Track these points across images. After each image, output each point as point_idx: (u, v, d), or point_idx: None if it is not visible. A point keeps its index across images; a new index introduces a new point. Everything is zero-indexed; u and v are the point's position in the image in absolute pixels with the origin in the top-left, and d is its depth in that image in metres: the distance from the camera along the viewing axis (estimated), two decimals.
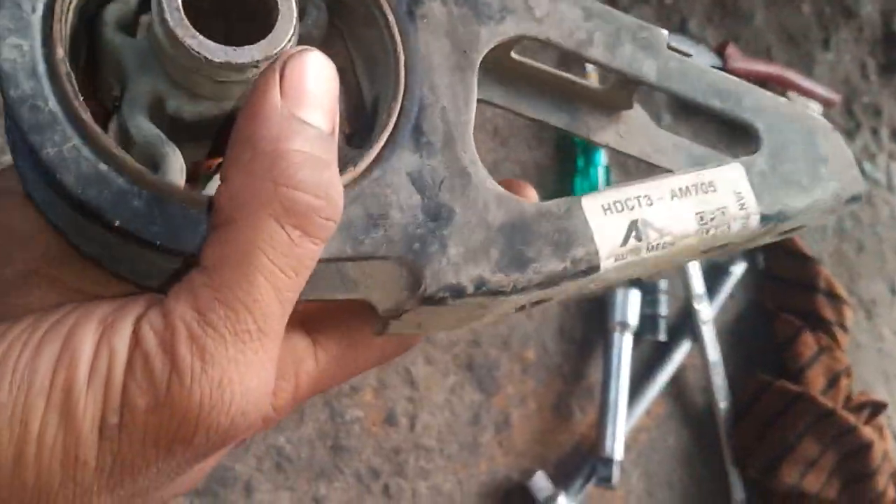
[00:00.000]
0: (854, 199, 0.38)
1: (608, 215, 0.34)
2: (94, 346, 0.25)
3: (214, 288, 0.26)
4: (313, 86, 0.27)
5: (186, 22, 0.29)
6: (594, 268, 0.33)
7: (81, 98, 0.28)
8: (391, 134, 0.32)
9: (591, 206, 0.34)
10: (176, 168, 0.30)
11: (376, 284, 0.33)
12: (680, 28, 1.13)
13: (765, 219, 0.36)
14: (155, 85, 0.31)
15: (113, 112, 0.31)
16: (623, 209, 0.34)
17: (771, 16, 1.19)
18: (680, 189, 0.35)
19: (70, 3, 0.30)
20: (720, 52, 1.13)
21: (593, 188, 1.00)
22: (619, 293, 1.03)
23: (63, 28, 0.29)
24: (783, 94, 1.18)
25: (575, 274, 0.33)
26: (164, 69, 0.31)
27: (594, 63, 0.37)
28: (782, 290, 1.15)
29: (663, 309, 1.05)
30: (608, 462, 0.98)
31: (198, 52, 0.29)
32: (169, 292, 0.26)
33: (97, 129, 0.28)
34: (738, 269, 1.14)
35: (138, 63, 0.31)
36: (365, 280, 0.33)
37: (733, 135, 0.43)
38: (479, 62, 0.34)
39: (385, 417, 0.89)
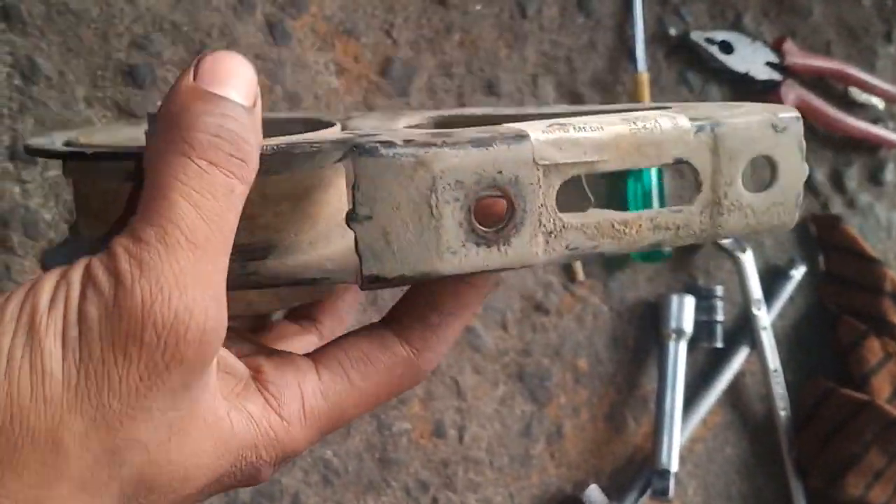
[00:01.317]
0: (791, 118, 0.38)
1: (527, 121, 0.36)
2: (54, 283, 0.29)
3: (143, 216, 0.30)
4: (226, 69, 0.31)
5: None
6: (523, 135, 0.34)
7: None
8: None
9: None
10: None
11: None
12: (734, 24, 1.09)
13: (694, 119, 0.36)
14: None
15: None
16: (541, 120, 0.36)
17: (829, 10, 1.15)
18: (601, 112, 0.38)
19: None
20: (777, 48, 1.09)
21: (646, 191, 0.97)
22: (674, 299, 1.00)
23: None
24: (844, 90, 1.14)
25: (504, 138, 0.34)
26: None
27: None
28: (845, 291, 1.10)
29: (719, 315, 1.02)
30: (664, 474, 0.95)
31: None
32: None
33: None
34: (798, 273, 1.10)
35: None
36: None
37: None
38: None
39: (433, 429, 0.86)
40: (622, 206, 0.98)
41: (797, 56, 1.09)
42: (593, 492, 0.93)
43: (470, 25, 0.91)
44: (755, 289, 1.05)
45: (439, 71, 0.90)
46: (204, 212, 0.30)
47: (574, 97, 0.98)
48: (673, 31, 1.03)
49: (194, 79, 0.31)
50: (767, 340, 1.05)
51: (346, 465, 0.82)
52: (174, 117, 0.31)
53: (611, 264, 0.99)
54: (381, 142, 0.33)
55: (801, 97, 1.08)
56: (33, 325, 0.28)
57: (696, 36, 1.03)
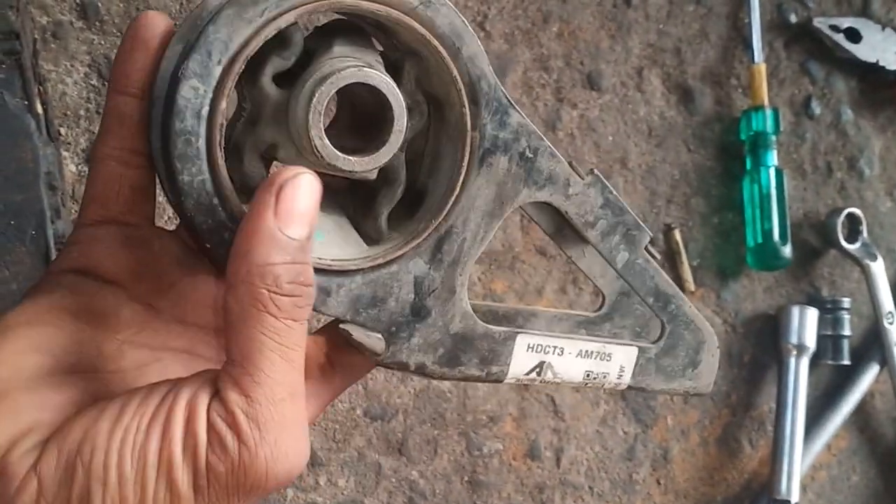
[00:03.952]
0: (696, 394, 0.51)
1: (528, 352, 0.46)
2: (182, 431, 0.35)
3: (249, 374, 0.36)
4: (301, 205, 0.36)
5: (327, 141, 0.38)
6: (499, 381, 0.46)
7: (223, 142, 0.38)
8: (418, 244, 0.42)
9: (522, 341, 0.46)
10: None
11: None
12: (862, 10, 1.00)
13: (630, 387, 0.49)
14: (276, 135, 0.39)
15: (243, 141, 0.41)
16: (541, 351, 0.47)
17: None
18: (587, 351, 0.48)
19: (245, 59, 0.37)
20: None
21: (764, 193, 0.89)
22: (795, 311, 0.91)
23: (233, 81, 0.37)
24: None
25: (484, 379, 0.46)
26: (288, 129, 0.39)
27: (586, 241, 0.47)
28: None
29: (846, 329, 0.94)
30: None
31: (328, 161, 0.38)
32: (222, 380, 0.37)
33: (223, 172, 0.38)
34: None
35: (272, 113, 0.39)
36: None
37: None
38: (508, 213, 0.44)
39: (527, 450, 0.80)
40: (739, 209, 0.91)
41: None
42: None
43: (569, 15, 0.85)
44: (886, 300, 0.96)
45: (536, 64, 0.84)
46: (295, 363, 0.37)
47: (683, 92, 0.90)
48: (793, 18, 0.96)
49: (275, 215, 0.36)
50: None
51: (434, 486, 0.76)
52: (258, 271, 0.36)
53: (725, 273, 0.91)
54: (399, 366, 0.44)
55: None
56: (171, 473, 0.35)
57: (820, 23, 0.95)
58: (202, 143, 0.37)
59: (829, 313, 0.94)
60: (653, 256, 0.48)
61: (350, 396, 0.74)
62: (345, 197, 0.44)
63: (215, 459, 0.35)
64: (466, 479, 0.78)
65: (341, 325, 0.42)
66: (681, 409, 0.89)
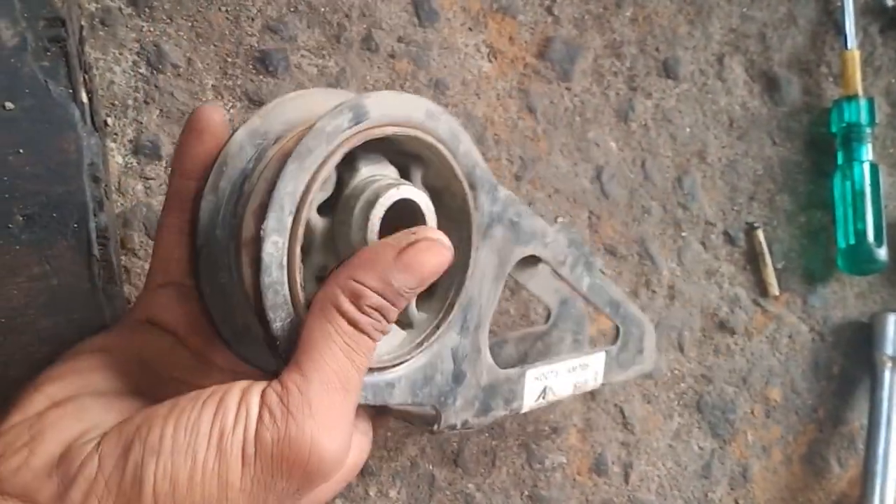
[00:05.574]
0: (644, 375, 0.69)
1: (536, 381, 0.55)
2: (237, 405, 0.38)
3: (311, 358, 0.39)
4: (426, 264, 0.40)
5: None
6: (517, 412, 0.54)
7: (300, 283, 0.41)
8: (450, 319, 0.48)
9: (531, 374, 0.55)
10: None
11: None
12: None
13: (603, 385, 0.61)
14: (326, 258, 0.44)
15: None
16: (543, 378, 0.56)
17: None
18: (573, 367, 0.58)
19: (309, 204, 0.41)
20: None
21: (857, 189, 0.82)
22: (891, 319, 0.85)
23: (302, 227, 0.41)
24: None
25: (508, 415, 0.54)
26: (336, 251, 0.43)
27: (562, 279, 0.58)
28: None
29: None
30: None
31: None
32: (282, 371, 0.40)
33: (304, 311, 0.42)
34: None
35: (321, 240, 0.43)
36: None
37: None
38: (507, 272, 0.51)
39: (593, 465, 0.75)
40: (829, 207, 0.85)
41: None
42: None
43: None
44: None
45: (607, 51, 0.78)
46: (357, 365, 0.39)
47: (768, 81, 0.84)
48: (890, 1, 0.88)
49: (396, 257, 0.39)
50: None
51: (491, 500, 0.72)
52: (350, 281, 0.39)
53: (813, 276, 0.85)
54: (449, 428, 0.50)
55: None
56: (221, 442, 0.37)
57: None
58: (286, 289, 0.41)
59: None
60: (603, 273, 0.59)
61: None
62: None
63: (263, 428, 0.37)
64: (526, 493, 0.73)
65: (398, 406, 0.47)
66: (762, 423, 0.82)
